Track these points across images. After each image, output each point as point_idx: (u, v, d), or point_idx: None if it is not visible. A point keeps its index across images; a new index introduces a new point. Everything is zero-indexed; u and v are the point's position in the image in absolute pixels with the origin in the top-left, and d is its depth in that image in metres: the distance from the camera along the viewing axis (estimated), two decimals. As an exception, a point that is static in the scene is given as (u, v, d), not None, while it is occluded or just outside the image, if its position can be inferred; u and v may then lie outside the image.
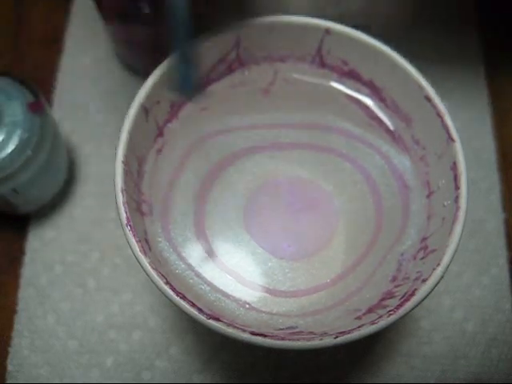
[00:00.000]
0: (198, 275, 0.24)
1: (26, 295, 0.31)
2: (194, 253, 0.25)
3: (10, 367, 0.29)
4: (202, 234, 0.25)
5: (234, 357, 0.30)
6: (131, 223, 0.22)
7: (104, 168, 0.34)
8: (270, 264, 0.25)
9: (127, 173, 0.23)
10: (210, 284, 0.24)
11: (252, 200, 0.26)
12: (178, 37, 0.19)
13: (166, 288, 0.21)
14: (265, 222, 0.26)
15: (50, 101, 0.35)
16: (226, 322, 0.21)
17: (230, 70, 0.28)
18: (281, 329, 0.23)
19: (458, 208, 0.23)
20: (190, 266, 0.24)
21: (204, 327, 0.21)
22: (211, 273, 0.24)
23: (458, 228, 0.23)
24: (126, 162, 0.23)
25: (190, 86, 0.19)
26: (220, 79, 0.28)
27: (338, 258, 0.25)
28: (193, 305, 0.21)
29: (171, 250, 0.25)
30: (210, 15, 0.31)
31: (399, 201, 0.26)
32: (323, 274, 0.25)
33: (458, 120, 0.35)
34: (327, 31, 0.26)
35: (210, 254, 0.25)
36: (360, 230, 0.26)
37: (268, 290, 0.24)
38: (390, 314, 0.21)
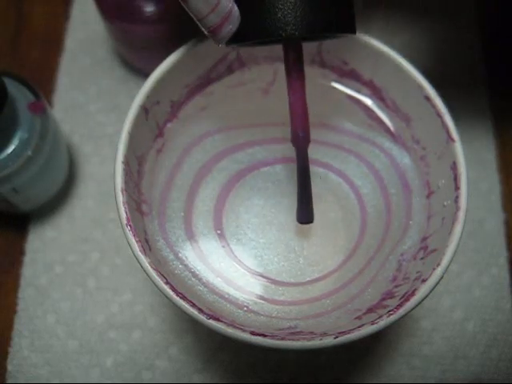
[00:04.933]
0: (195, 276, 0.24)
1: (26, 295, 0.31)
2: (186, 252, 0.25)
3: (9, 367, 0.29)
4: (189, 232, 0.25)
5: (233, 357, 0.30)
6: (131, 223, 0.22)
7: (104, 168, 0.34)
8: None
9: (127, 173, 0.23)
10: (206, 285, 0.24)
11: (246, 199, 0.26)
12: (303, 185, 0.24)
13: (166, 288, 0.21)
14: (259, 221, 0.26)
15: (50, 101, 0.35)
16: (225, 322, 0.21)
17: (229, 70, 0.28)
18: (281, 329, 0.23)
19: (458, 208, 0.23)
20: (186, 267, 0.24)
21: (204, 327, 0.21)
22: (205, 274, 0.24)
23: (458, 228, 0.23)
24: (125, 162, 0.23)
25: (308, 217, 0.24)
26: (220, 79, 0.28)
27: (346, 267, 0.25)
28: (193, 305, 0.21)
29: (168, 249, 0.25)
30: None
31: (403, 199, 0.26)
32: (327, 285, 0.25)
33: (458, 120, 0.35)
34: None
35: (199, 253, 0.25)
36: (371, 231, 0.25)
37: (264, 298, 0.24)
38: (390, 314, 0.21)
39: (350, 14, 0.22)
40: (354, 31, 0.22)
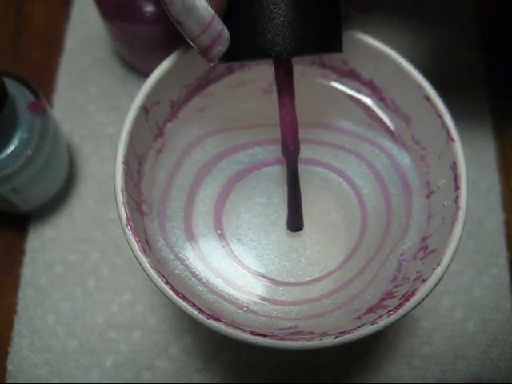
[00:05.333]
0: (195, 276, 0.24)
1: (26, 295, 0.31)
2: (186, 252, 0.25)
3: (9, 367, 0.29)
4: (189, 233, 0.25)
5: (233, 357, 0.30)
6: (131, 223, 0.22)
7: (104, 168, 0.34)
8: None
9: (127, 173, 0.23)
10: (206, 285, 0.24)
11: (247, 199, 0.26)
12: (292, 193, 0.25)
13: (166, 288, 0.21)
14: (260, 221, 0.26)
15: (50, 101, 0.35)
16: (225, 322, 0.21)
17: (229, 70, 0.28)
18: (281, 329, 0.23)
19: (458, 208, 0.23)
20: (186, 267, 0.24)
21: (204, 327, 0.21)
22: (205, 274, 0.24)
23: (458, 228, 0.23)
24: (125, 162, 0.23)
25: (297, 224, 0.25)
26: (220, 79, 0.28)
27: (346, 266, 0.25)
28: (193, 305, 0.21)
29: (168, 249, 0.25)
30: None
31: (403, 199, 0.26)
32: (327, 285, 0.25)
33: (458, 120, 0.35)
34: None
35: (199, 253, 0.25)
36: (371, 231, 0.25)
37: (264, 299, 0.24)
38: (390, 314, 0.21)
39: (337, 34, 0.23)
40: (340, 50, 0.23)
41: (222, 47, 0.22)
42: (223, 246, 0.25)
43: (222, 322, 0.21)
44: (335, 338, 0.21)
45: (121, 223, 0.22)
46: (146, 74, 0.25)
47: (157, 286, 0.21)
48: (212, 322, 0.21)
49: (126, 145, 0.23)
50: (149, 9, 0.30)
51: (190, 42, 0.22)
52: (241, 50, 0.22)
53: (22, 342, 0.30)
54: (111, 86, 0.36)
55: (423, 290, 0.22)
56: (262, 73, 0.28)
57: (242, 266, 0.25)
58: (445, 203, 0.24)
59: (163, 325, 0.30)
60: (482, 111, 0.36)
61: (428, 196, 0.26)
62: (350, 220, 0.26)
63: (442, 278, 0.22)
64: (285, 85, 0.23)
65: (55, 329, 0.30)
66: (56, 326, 0.30)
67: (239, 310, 0.24)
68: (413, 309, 0.21)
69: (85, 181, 0.33)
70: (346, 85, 0.28)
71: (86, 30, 0.37)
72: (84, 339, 0.30)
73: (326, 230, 0.25)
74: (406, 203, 0.26)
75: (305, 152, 0.26)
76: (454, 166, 0.24)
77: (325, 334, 0.21)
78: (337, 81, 0.28)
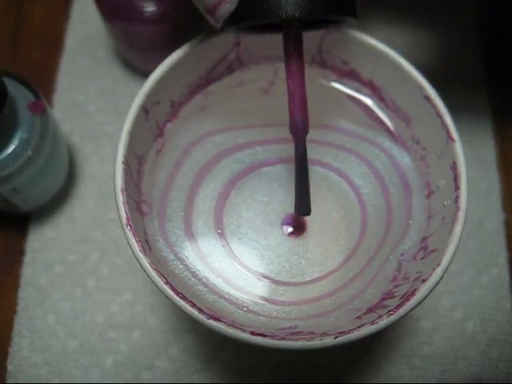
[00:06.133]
0: (195, 276, 0.24)
1: (26, 295, 0.31)
2: (186, 252, 0.25)
3: (9, 367, 0.29)
4: (189, 232, 0.25)
5: (233, 357, 0.30)
6: (131, 223, 0.22)
7: (104, 168, 0.34)
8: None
9: (127, 173, 0.23)
10: (206, 285, 0.24)
11: (247, 198, 0.26)
12: (301, 177, 0.23)
13: (166, 288, 0.21)
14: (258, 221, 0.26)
15: (50, 101, 0.35)
16: (225, 322, 0.21)
17: (229, 70, 0.28)
18: (281, 329, 0.23)
19: (458, 208, 0.23)
20: (186, 267, 0.24)
21: (204, 327, 0.21)
22: (205, 274, 0.24)
23: (458, 228, 0.23)
24: (125, 162, 0.23)
25: (305, 209, 0.24)
26: (220, 79, 0.28)
27: (346, 266, 0.25)
28: (193, 305, 0.21)
29: (168, 249, 0.25)
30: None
31: (403, 199, 0.26)
32: (327, 285, 0.25)
33: (458, 120, 0.35)
34: (327, 31, 0.26)
35: (199, 253, 0.25)
36: (371, 231, 0.25)
37: (264, 299, 0.24)
38: (390, 314, 0.21)
39: None
40: (354, 15, 0.22)
41: (229, 5, 0.20)
42: (223, 246, 0.25)
43: (222, 321, 0.21)
44: (335, 338, 0.21)
45: (121, 223, 0.22)
46: (146, 74, 0.25)
47: (157, 286, 0.21)
48: (212, 322, 0.21)
49: (125, 145, 0.23)
50: (149, 9, 0.30)
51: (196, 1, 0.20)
52: (248, 13, 0.21)
53: (21, 341, 0.30)
54: (111, 86, 0.36)
55: (423, 289, 0.22)
56: (261, 73, 0.28)
57: (242, 266, 0.25)
58: (445, 203, 0.24)
59: (163, 325, 0.30)
60: (482, 111, 0.36)
61: (428, 196, 0.26)
62: (350, 220, 0.26)
63: (442, 277, 0.22)
64: (294, 56, 0.22)
65: (55, 329, 0.30)
66: (56, 326, 0.30)
67: (239, 310, 0.24)
68: (413, 309, 0.21)
69: (85, 181, 0.33)
70: (346, 85, 0.28)
71: (86, 29, 0.37)
72: (84, 339, 0.30)
73: (326, 229, 0.25)
74: (406, 203, 0.26)
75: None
76: (453, 166, 0.24)
77: (325, 334, 0.21)
78: (337, 81, 0.28)
